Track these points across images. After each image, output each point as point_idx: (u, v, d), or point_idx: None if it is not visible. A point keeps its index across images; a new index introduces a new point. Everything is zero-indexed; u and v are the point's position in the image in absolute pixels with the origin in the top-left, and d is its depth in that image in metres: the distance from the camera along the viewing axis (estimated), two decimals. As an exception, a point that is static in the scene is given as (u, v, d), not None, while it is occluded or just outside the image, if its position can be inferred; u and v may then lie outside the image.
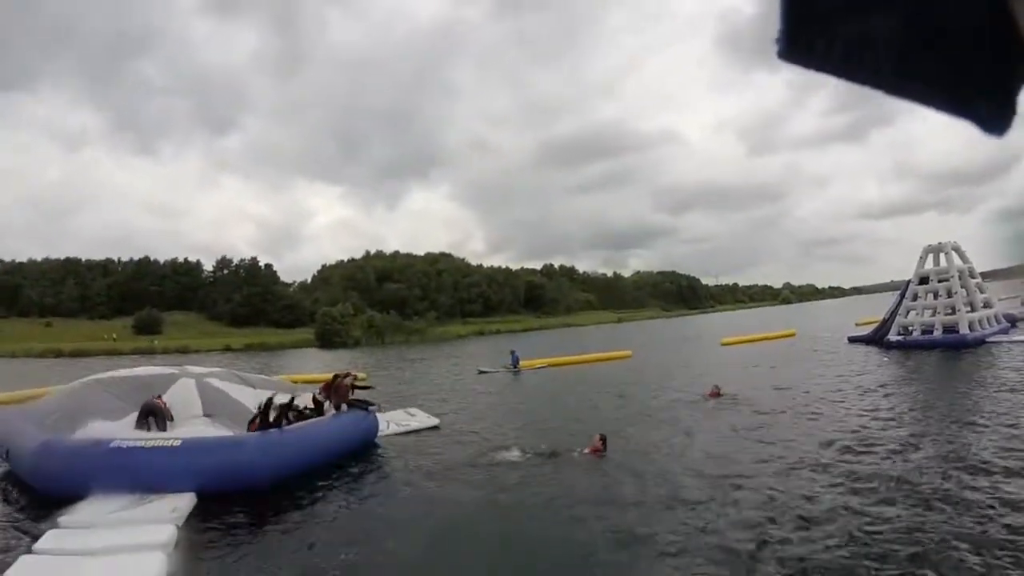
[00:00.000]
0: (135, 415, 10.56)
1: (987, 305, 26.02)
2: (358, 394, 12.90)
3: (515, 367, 27.91)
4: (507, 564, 6.74)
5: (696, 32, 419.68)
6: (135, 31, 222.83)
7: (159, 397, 11.10)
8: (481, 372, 27.68)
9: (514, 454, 10.91)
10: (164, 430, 10.36)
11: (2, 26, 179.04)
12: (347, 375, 13.23)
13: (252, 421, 10.93)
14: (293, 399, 12.32)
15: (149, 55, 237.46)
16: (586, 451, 10.71)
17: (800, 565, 5.92)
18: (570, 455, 10.63)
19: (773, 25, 0.47)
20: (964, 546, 6.07)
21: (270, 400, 10.98)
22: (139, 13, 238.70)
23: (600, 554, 6.57)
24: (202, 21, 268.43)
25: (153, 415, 10.38)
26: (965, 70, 0.45)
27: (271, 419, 11.39)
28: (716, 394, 16.24)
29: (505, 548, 7.11)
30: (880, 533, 6.56)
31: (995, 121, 0.45)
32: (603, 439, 10.87)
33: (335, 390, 12.51)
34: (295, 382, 17.70)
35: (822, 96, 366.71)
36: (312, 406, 12.80)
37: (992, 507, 7.05)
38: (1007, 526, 6.49)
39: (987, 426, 10.92)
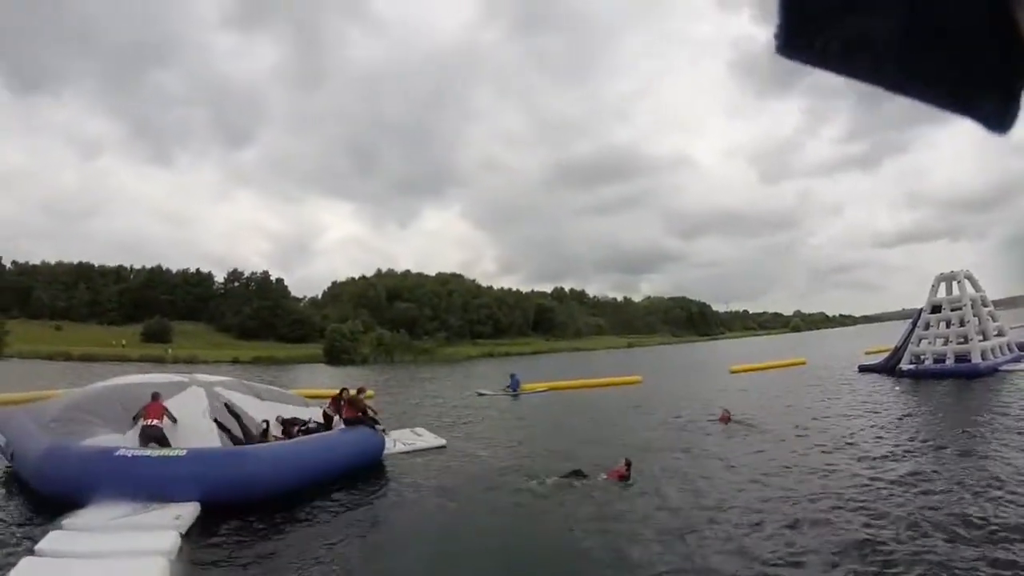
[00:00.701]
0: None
1: (1000, 333, 25.71)
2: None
3: (515, 390, 27.71)
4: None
5: (710, 58, 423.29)
6: (156, 41, 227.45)
7: (157, 397, 10.82)
8: (480, 395, 27.31)
9: (528, 478, 10.69)
10: None
11: (28, 29, 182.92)
12: (360, 390, 13.18)
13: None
14: (276, 420, 12.28)
15: (169, 65, 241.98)
16: (605, 476, 10.47)
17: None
18: (589, 479, 10.41)
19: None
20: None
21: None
22: (161, 23, 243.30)
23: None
24: (223, 33, 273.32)
25: (155, 441, 10.04)
26: (967, 68, 0.45)
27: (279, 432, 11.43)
28: (727, 419, 16.15)
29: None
30: (892, 560, 6.52)
31: (999, 119, 0.45)
32: (628, 464, 10.62)
33: (350, 403, 12.43)
34: (309, 397, 17.61)
35: (835, 124, 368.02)
36: (321, 420, 12.80)
37: (1002, 538, 6.93)
38: (1015, 558, 6.36)
39: (1001, 456, 10.72)
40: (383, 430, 12.93)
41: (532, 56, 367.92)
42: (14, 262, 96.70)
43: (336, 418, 12.57)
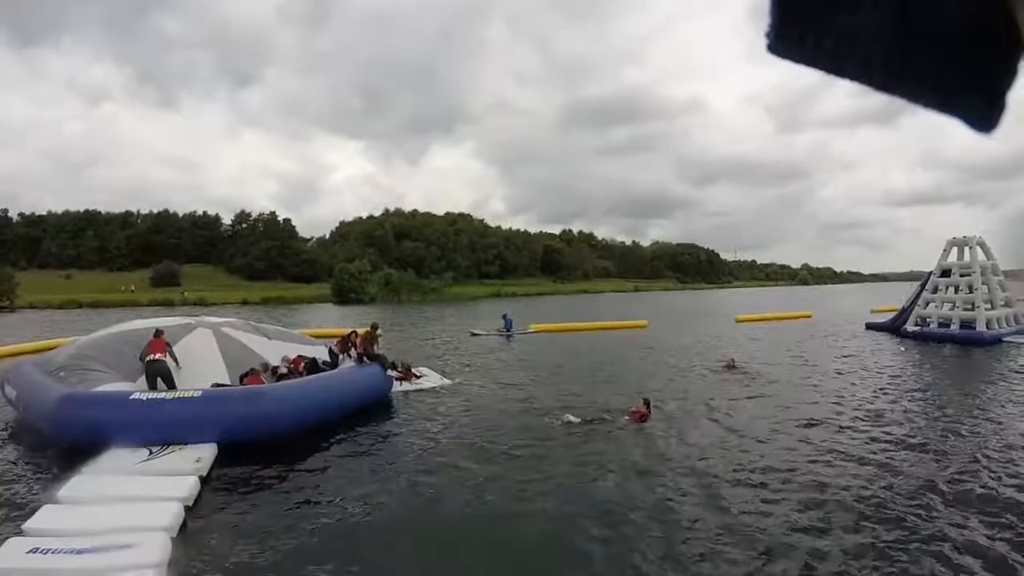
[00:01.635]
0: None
1: (1007, 304, 25.34)
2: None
3: (508, 331, 28.08)
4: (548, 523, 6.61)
5: (729, 1, 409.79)
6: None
7: (160, 334, 10.91)
8: (474, 335, 27.69)
9: (542, 419, 10.89)
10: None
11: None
12: (374, 326, 13.32)
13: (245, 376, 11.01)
14: (283, 359, 12.31)
15: (171, 7, 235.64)
16: (626, 418, 10.60)
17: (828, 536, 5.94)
18: (610, 420, 10.59)
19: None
20: (955, 533, 6.18)
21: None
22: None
23: (657, 521, 6.57)
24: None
25: (160, 376, 10.25)
26: (954, 67, 0.45)
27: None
28: (731, 366, 16.35)
29: (540, 506, 7.03)
30: (881, 506, 6.79)
31: (984, 118, 0.46)
32: (647, 404, 10.77)
33: (360, 340, 12.60)
34: (314, 337, 17.78)
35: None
36: (328, 359, 12.99)
37: (984, 496, 7.17)
38: (1000, 517, 6.52)
39: (993, 422, 10.82)
40: (399, 374, 13.24)
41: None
42: (21, 214, 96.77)
43: (342, 356, 12.79)
